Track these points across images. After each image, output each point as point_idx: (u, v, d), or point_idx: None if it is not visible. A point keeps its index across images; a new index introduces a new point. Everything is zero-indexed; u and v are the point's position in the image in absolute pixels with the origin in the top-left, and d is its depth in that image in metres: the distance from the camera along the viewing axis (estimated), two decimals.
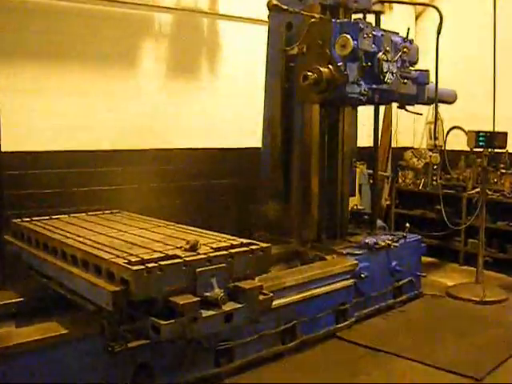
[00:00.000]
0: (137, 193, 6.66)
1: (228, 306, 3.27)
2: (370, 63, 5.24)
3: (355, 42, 5.00)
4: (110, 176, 6.44)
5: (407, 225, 5.80)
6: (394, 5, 8.88)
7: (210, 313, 3.19)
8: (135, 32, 6.78)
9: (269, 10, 5.07)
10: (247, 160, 7.12)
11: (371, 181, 7.05)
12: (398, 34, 5.77)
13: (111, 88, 6.45)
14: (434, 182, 7.48)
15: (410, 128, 9.03)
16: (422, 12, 9.31)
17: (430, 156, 6.63)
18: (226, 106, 7.43)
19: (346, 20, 5.11)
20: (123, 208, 5.66)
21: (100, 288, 3.13)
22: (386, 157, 8.55)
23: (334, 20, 5.15)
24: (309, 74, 4.98)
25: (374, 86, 5.32)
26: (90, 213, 5.10)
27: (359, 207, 6.77)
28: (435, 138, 6.29)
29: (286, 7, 5.06)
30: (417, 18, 9.15)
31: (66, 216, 4.90)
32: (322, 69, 5.02)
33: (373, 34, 5.22)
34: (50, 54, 5.90)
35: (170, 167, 6.88)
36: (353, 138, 6.07)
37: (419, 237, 6.16)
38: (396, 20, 8.11)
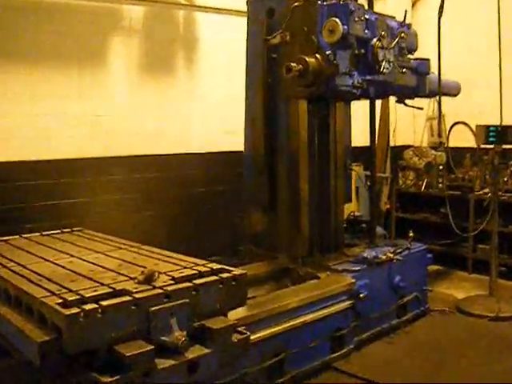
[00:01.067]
0: (106, 205, 6.04)
1: (192, 353, 2.62)
2: (363, 51, 4.59)
3: (345, 27, 4.39)
4: (75, 187, 5.79)
5: (411, 234, 5.15)
6: None
7: (169, 363, 2.52)
8: (102, 27, 6.13)
9: None
10: (232, 165, 6.49)
11: (369, 183, 6.39)
12: (394, 18, 5.13)
13: (73, 89, 5.81)
14: (440, 185, 6.80)
15: (409, 125, 8.40)
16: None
17: (435, 155, 5.96)
18: (205, 106, 6.79)
19: (333, 1, 4.40)
20: (91, 223, 5.06)
21: (27, 336, 2.45)
22: (384, 156, 7.96)
23: (320, 2, 4.47)
24: (293, 64, 4.36)
25: (369, 78, 4.72)
26: (45, 232, 4.44)
27: (356, 214, 6.11)
28: (439, 135, 5.58)
29: None
30: (413, 6, 8.48)
31: (16, 237, 4.23)
32: (307, 59, 4.41)
33: (365, 18, 4.62)
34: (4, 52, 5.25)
35: (143, 176, 6.23)
36: (346, 137, 5.44)
37: (424, 246, 5.49)
38: (390, 8, 7.48)
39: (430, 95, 5.80)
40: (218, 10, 6.88)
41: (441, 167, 6.64)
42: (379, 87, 4.95)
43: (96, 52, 6.09)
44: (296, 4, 4.66)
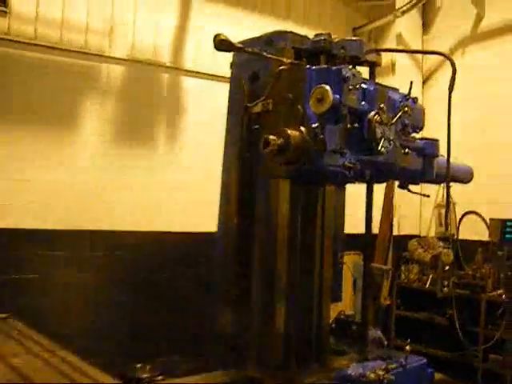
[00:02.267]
0: (61, 285, 5.28)
1: None
2: (357, 126, 3.86)
3: (337, 96, 3.67)
4: (21, 262, 5.06)
5: (407, 347, 4.27)
6: (397, 67, 7.75)
7: None
8: (76, 86, 5.53)
9: (215, 47, 3.72)
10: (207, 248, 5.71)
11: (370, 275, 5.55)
12: (397, 90, 4.43)
13: (37, 153, 5.16)
14: (445, 289, 5.95)
15: (415, 212, 7.66)
16: (431, 75, 8.11)
17: (441, 252, 5.15)
18: (186, 180, 6.10)
19: (324, 66, 3.72)
20: (35, 303, 4.37)
21: None
22: (385, 246, 7.21)
23: (308, 66, 3.78)
24: (271, 138, 3.66)
25: (364, 158, 3.91)
26: None
27: (347, 313, 5.25)
28: (446, 227, 4.80)
29: (240, 46, 3.73)
30: (424, 83, 7.89)
31: None
32: (290, 131, 3.72)
33: (362, 87, 3.86)
34: None
35: (96, 254, 5.50)
36: (338, 225, 4.65)
37: (424, 360, 4.61)
38: (398, 82, 6.85)
39: (438, 181, 5.07)
40: (207, 76, 6.26)
41: (446, 268, 5.78)
42: (377, 169, 4.24)
43: (66, 113, 5.47)
44: (281, 67, 3.98)
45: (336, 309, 5.22)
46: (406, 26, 8.35)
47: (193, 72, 6.34)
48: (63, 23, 5.68)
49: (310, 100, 3.79)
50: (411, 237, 7.66)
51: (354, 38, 4.58)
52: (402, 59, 8.05)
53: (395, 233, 7.71)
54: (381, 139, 3.95)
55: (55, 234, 5.37)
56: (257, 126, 4.36)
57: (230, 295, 4.42)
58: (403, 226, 7.90)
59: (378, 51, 4.82)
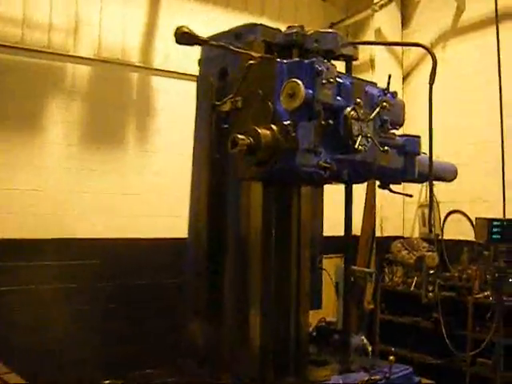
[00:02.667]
0: (25, 296, 5.02)
1: None
2: (332, 122, 3.61)
3: (310, 91, 3.43)
4: None
5: (391, 357, 4.04)
6: (377, 62, 7.53)
7: None
8: (40, 87, 5.25)
9: (177, 41, 3.47)
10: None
11: (352, 279, 5.33)
12: (375, 84, 4.20)
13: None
14: (430, 294, 5.72)
15: (398, 212, 7.44)
16: (412, 71, 7.90)
17: (425, 255, 4.93)
18: (159, 184, 5.83)
19: (296, 59, 3.48)
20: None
21: None
22: (368, 249, 6.97)
23: (279, 60, 3.54)
24: (239, 137, 3.42)
25: (341, 157, 3.68)
26: None
27: (329, 320, 5.01)
28: (430, 229, 4.58)
29: (205, 39, 3.48)
30: (404, 79, 7.68)
31: None
32: (260, 130, 3.48)
33: (337, 81, 3.61)
34: None
35: (66, 263, 5.24)
36: (315, 228, 4.46)
37: (410, 369, 4.38)
38: (378, 79, 6.63)
39: (420, 179, 4.81)
40: (178, 75, 5.99)
41: (431, 271, 5.54)
42: (355, 169, 3.99)
43: (30, 115, 5.18)
44: (251, 62, 3.73)
45: (317, 316, 5.01)
46: (385, 20, 8.15)
47: (163, 71, 6.08)
48: (25, 21, 5.41)
49: (281, 96, 3.56)
50: (394, 238, 7.47)
51: (329, 31, 4.36)
52: (381, 54, 7.83)
53: (378, 234, 7.53)
54: (358, 136, 3.73)
55: (19, 243, 5.07)
56: (226, 126, 4.11)
57: (201, 304, 4.17)
58: (386, 227, 7.65)
59: (354, 44, 4.61)
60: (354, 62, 4.64)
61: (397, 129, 4.30)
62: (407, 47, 8.01)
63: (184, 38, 3.48)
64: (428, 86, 4.19)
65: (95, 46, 5.86)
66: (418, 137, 4.61)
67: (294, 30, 4.16)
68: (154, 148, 5.95)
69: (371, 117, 3.85)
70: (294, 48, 4.15)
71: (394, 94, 4.29)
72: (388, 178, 4.63)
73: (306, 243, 4.32)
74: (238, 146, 3.48)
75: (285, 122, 3.51)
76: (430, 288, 5.85)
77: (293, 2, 7.92)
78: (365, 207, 6.77)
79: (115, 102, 5.77)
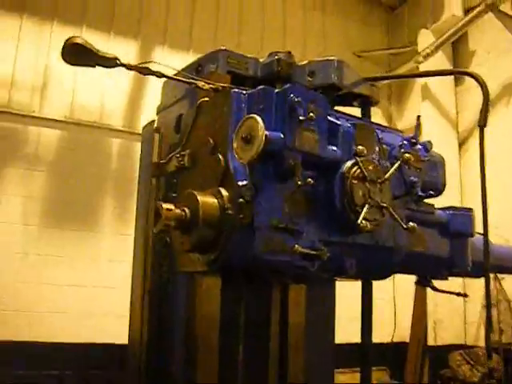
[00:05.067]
0: None
1: None
2: (323, 185, 2.30)
3: (277, 134, 2.11)
4: None
5: None
6: (425, 127, 6.19)
7: None
8: None
9: (62, 56, 2.26)
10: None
11: None
12: (398, 131, 2.90)
13: None
14: None
15: (457, 314, 6.00)
16: (469, 137, 6.53)
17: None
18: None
19: (261, 87, 2.18)
20: None
21: None
22: (418, 360, 5.58)
23: (236, 90, 2.27)
24: (165, 207, 2.13)
25: (336, 239, 2.34)
26: None
27: None
28: (489, 354, 3.12)
29: (110, 55, 2.28)
30: (460, 147, 6.30)
31: None
32: (199, 197, 2.25)
33: (329, 120, 2.31)
34: None
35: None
36: (321, 335, 3.01)
37: None
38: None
39: (477, 272, 3.31)
40: None
41: None
42: (366, 257, 2.56)
43: None
44: (203, 99, 2.49)
45: None
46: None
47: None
48: None
49: (234, 142, 2.29)
50: (453, 348, 6.03)
51: (331, 58, 3.05)
52: (430, 114, 6.55)
53: (431, 342, 6.12)
54: (363, 206, 2.37)
55: None
56: (174, 194, 2.82)
57: None
58: (441, 333, 6.24)
59: (371, 80, 3.28)
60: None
61: (434, 196, 2.91)
62: (461, 110, 6.75)
63: (73, 52, 2.26)
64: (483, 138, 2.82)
65: (66, 106, 4.84)
66: (470, 210, 3.21)
67: (276, 57, 2.87)
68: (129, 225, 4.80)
69: (387, 176, 2.53)
70: (277, 83, 2.87)
71: (428, 145, 2.94)
72: (426, 271, 3.22)
73: (299, 362, 2.86)
74: (162, 220, 2.22)
75: (240, 183, 2.23)
76: None
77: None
78: (414, 308, 5.35)
79: (89, 172, 4.77)
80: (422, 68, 6.87)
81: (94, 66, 2.37)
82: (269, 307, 2.80)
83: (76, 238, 4.76)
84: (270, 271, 2.51)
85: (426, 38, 7.17)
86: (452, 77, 7.07)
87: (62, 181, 4.75)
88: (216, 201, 2.26)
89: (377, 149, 2.65)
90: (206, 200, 2.26)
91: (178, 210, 2.23)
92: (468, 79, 6.78)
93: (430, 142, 2.99)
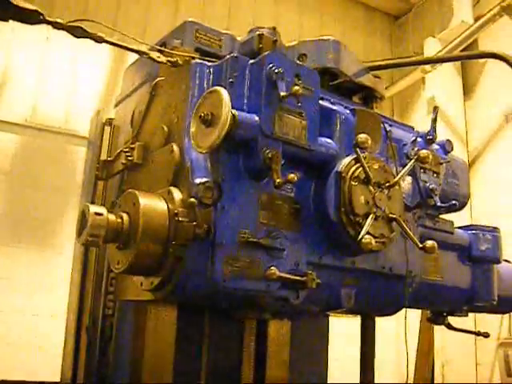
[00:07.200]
0: None
1: None
2: (313, 188, 1.74)
3: (250, 116, 1.51)
4: None
5: None
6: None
7: None
8: None
9: None
10: None
11: None
12: (410, 127, 2.32)
13: None
14: None
15: (467, 354, 5.45)
16: (478, 156, 6.01)
17: None
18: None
19: (231, 55, 1.57)
20: None
21: None
22: None
23: (200, 61, 1.65)
24: (92, 211, 1.48)
25: (328, 262, 1.74)
26: None
27: None
28: None
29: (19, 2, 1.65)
30: (470, 167, 5.76)
31: None
32: (142, 199, 1.60)
33: (321, 105, 1.70)
34: None
35: None
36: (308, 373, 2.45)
37: None
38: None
39: (503, 307, 2.85)
40: None
41: None
42: (368, 287, 1.96)
43: None
44: (158, 79, 1.92)
45: None
46: (440, 86, 6.41)
47: None
48: None
49: (191, 125, 1.70)
50: None
51: (326, 38, 2.45)
52: (439, 134, 6.06)
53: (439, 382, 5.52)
54: (365, 218, 1.78)
55: None
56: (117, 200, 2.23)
57: None
58: (450, 375, 5.59)
59: (375, 69, 2.69)
60: None
61: (456, 209, 2.32)
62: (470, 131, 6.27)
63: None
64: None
65: (27, 110, 4.29)
66: (496, 230, 2.61)
67: (258, 33, 2.25)
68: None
69: (397, 178, 1.92)
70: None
71: (448, 145, 2.35)
72: (443, 306, 2.61)
73: None
74: (89, 228, 1.64)
75: (197, 181, 1.63)
76: None
77: None
78: (418, 346, 4.86)
79: (52, 184, 4.23)
80: (430, 78, 6.41)
81: (6, 20, 1.76)
82: (240, 351, 2.17)
83: (32, 254, 4.20)
84: (240, 304, 1.89)
85: (432, 47, 6.79)
86: (460, 90, 6.61)
87: (19, 192, 4.21)
88: (164, 204, 1.66)
89: (384, 144, 2.06)
90: (150, 203, 1.66)
91: (111, 216, 1.62)
92: (477, 93, 6.37)
93: (449, 141, 2.41)
